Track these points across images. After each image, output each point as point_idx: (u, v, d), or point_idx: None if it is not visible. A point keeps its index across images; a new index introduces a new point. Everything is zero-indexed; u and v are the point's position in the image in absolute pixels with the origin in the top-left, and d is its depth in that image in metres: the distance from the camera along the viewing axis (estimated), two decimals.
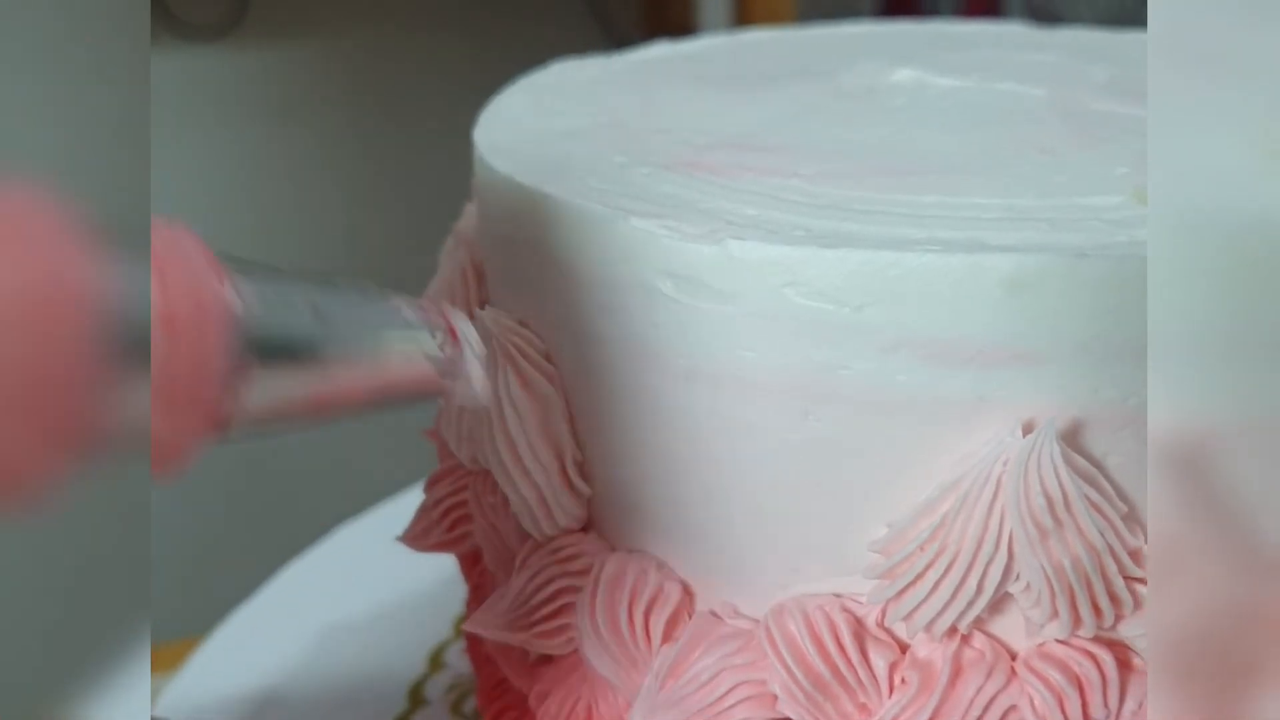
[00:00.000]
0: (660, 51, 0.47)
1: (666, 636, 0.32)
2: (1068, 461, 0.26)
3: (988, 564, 0.27)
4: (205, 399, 0.20)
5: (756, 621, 0.31)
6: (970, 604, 0.28)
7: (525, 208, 0.33)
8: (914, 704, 0.29)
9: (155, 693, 0.47)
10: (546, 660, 0.36)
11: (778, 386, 0.29)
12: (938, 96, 0.37)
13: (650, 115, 0.38)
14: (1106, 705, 0.28)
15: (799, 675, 0.30)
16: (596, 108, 0.39)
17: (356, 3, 1.19)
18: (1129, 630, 0.29)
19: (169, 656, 0.51)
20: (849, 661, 0.29)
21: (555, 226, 0.32)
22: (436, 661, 0.49)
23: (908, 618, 0.29)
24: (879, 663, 0.29)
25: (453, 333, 0.25)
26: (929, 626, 0.28)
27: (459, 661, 0.48)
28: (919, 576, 0.28)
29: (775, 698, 0.30)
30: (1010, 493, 0.27)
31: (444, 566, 0.43)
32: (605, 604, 0.32)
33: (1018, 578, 0.28)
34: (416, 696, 0.47)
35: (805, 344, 0.28)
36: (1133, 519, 0.28)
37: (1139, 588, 0.28)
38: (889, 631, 0.30)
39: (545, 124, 0.38)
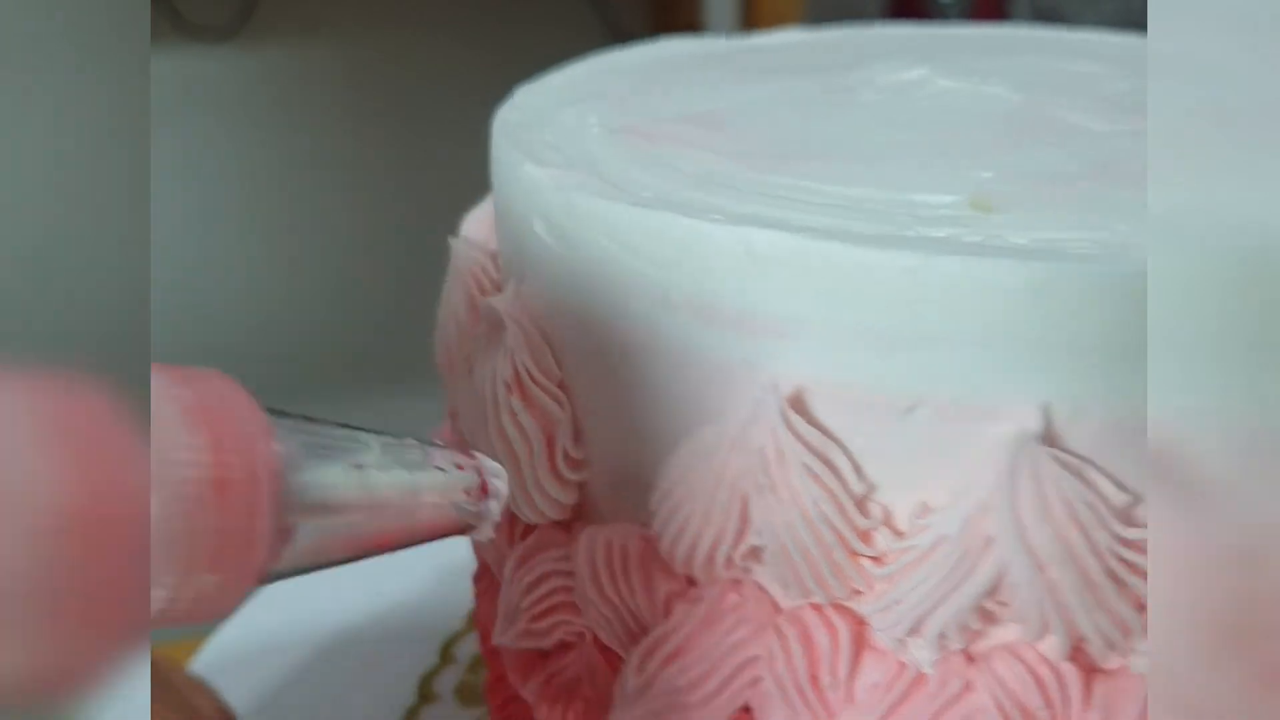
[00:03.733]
0: (754, 43, 0.50)
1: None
2: (788, 425, 0.28)
3: (725, 512, 0.29)
4: (253, 559, 0.21)
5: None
6: (715, 545, 0.30)
7: (495, 155, 0.38)
8: (672, 635, 0.31)
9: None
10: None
11: (603, 332, 0.32)
12: (920, 96, 0.38)
13: (654, 92, 0.41)
14: (834, 673, 0.30)
15: (594, 597, 0.33)
16: (625, 82, 0.42)
17: (363, 4, 1.20)
18: (867, 607, 0.30)
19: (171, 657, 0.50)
20: (630, 588, 0.32)
21: (498, 172, 0.36)
22: (448, 654, 0.51)
23: (671, 551, 0.31)
24: (660, 592, 0.32)
25: (484, 485, 0.27)
26: (686, 564, 0.31)
27: (470, 654, 0.50)
28: (671, 515, 0.30)
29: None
30: (741, 448, 0.29)
31: (456, 557, 0.42)
32: None
33: (760, 534, 0.30)
34: (426, 689, 0.49)
35: (625, 296, 0.31)
36: (871, 500, 0.29)
37: (871, 567, 0.29)
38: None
39: (568, 90, 0.42)
